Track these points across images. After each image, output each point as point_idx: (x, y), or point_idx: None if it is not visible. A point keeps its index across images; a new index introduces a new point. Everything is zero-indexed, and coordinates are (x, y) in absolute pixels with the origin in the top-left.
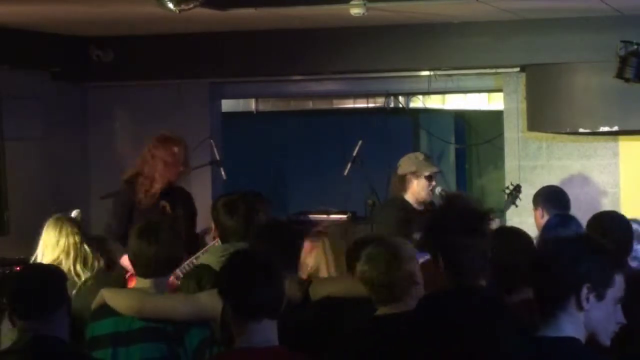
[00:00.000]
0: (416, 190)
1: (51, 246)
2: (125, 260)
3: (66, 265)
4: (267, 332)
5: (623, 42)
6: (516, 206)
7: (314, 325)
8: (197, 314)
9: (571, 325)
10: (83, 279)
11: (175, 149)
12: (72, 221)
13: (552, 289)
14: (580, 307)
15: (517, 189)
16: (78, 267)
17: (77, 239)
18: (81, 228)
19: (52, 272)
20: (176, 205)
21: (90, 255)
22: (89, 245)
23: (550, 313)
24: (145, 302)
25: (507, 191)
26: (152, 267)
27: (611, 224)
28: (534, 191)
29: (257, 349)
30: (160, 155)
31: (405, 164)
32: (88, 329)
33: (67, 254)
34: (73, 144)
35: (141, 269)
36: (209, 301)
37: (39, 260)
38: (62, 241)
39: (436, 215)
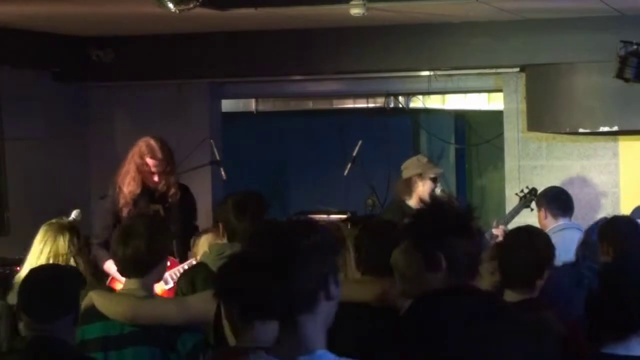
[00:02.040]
0: (421, 192)
1: (34, 254)
2: (107, 266)
3: None
4: (271, 331)
5: (623, 42)
6: (531, 209)
7: None
8: (189, 318)
9: None
10: None
11: (149, 160)
12: (64, 228)
13: (621, 319)
14: None
15: (533, 192)
16: None
17: (62, 248)
18: (75, 235)
19: (70, 275)
20: (171, 207)
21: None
22: (79, 255)
23: (621, 334)
24: (137, 309)
25: (521, 194)
26: (135, 267)
27: (627, 228)
28: None
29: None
30: (135, 162)
31: (411, 168)
32: (78, 332)
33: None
34: (73, 144)
35: (125, 270)
36: (201, 304)
37: (24, 266)
38: (46, 250)
39: (431, 217)
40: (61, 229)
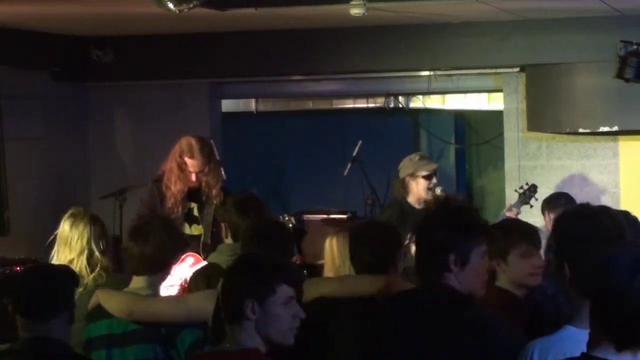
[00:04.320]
0: (416, 191)
1: (64, 244)
2: None
3: (77, 264)
4: (245, 334)
5: (623, 42)
6: (531, 206)
7: (307, 326)
8: (187, 316)
9: None
10: (86, 280)
11: (187, 160)
12: (93, 219)
13: (620, 332)
14: None
15: (532, 189)
16: (85, 267)
17: (86, 237)
18: (97, 223)
19: (63, 274)
20: (205, 205)
21: (96, 255)
22: (100, 244)
23: (618, 345)
24: (135, 306)
25: (520, 190)
26: (143, 266)
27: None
28: None
29: (227, 351)
30: (176, 160)
31: (403, 168)
32: (84, 329)
33: (80, 253)
34: (73, 144)
35: (133, 267)
36: (199, 303)
37: (55, 256)
38: (75, 239)
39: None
40: (91, 219)
